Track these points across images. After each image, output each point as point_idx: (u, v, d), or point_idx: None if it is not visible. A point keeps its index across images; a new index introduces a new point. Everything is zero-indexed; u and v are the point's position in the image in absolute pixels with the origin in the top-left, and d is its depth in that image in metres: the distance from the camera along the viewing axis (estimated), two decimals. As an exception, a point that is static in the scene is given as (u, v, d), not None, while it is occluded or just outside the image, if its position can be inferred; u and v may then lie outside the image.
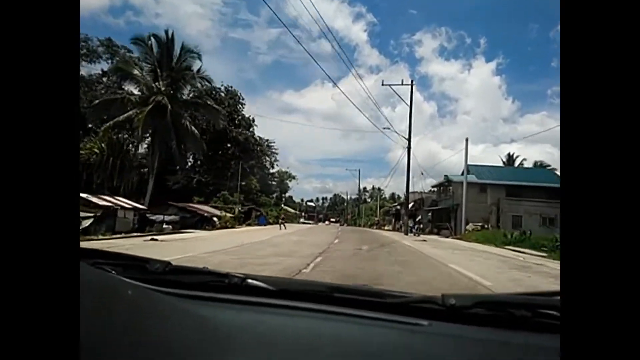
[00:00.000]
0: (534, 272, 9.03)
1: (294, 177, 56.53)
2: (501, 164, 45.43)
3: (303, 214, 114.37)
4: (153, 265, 1.02)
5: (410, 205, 38.72)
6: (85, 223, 14.59)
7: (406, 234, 29.59)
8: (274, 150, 50.70)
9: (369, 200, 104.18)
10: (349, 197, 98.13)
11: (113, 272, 0.96)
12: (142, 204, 22.19)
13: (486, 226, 28.95)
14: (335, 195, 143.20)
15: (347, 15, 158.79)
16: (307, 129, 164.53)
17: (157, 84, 27.79)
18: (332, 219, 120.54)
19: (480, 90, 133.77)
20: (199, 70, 29.65)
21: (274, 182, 56.66)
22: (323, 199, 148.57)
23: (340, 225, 75.23)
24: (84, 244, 1.19)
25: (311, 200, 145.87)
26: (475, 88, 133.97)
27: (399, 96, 62.39)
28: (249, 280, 0.97)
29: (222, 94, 40.62)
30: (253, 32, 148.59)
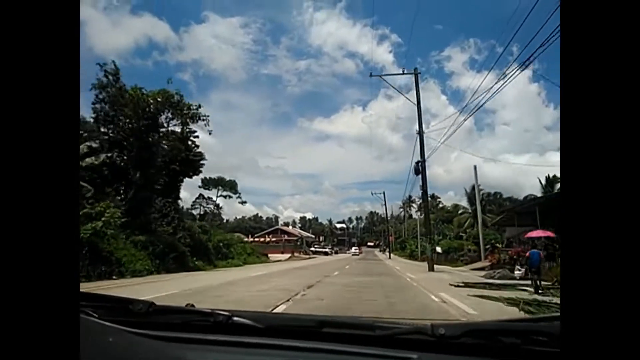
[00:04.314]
0: None
1: (198, 114, 17.27)
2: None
3: (320, 239, 79.39)
4: (136, 306, 0.98)
5: None
6: None
7: None
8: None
9: (415, 215, 78.29)
10: (391, 212, 65.19)
11: (95, 315, 0.94)
12: None
13: None
14: (371, 213, 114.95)
15: (371, 38, 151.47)
16: (341, 154, 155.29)
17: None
18: (369, 243, 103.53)
19: (518, 99, 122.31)
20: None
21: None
22: (357, 218, 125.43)
23: (381, 251, 58.77)
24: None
25: (342, 222, 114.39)
26: (513, 97, 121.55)
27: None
28: (235, 318, 0.94)
29: None
30: (283, 66, 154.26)
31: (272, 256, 40.42)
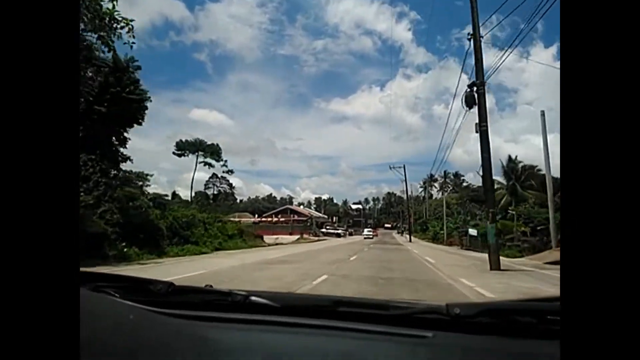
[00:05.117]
0: None
1: (111, 13, 10.13)
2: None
3: (334, 219, 73.47)
4: (156, 286, 1.00)
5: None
6: None
7: None
8: None
9: (437, 195, 75.00)
10: (410, 191, 59.29)
11: (116, 295, 0.96)
12: None
13: None
14: (389, 194, 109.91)
15: (390, 16, 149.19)
16: (358, 135, 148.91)
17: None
18: (386, 225, 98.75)
19: (541, 78, 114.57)
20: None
21: None
22: (374, 199, 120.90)
23: (399, 233, 55.83)
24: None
25: (358, 203, 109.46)
26: (536, 76, 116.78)
27: None
28: (253, 298, 0.95)
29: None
30: (300, 46, 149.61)
31: (281, 238, 34.05)
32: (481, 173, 10.22)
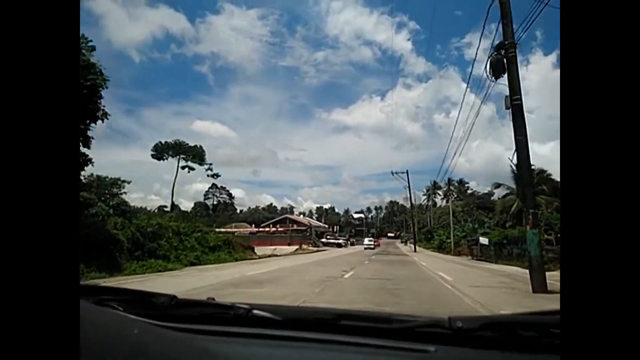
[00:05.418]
0: None
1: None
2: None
3: (335, 229, 70.89)
4: (158, 299, 1.01)
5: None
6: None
7: None
8: None
9: (441, 203, 70.92)
10: (413, 199, 57.29)
11: (119, 308, 0.96)
12: None
13: None
14: (391, 202, 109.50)
15: (389, 26, 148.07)
16: (359, 145, 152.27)
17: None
18: (389, 234, 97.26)
19: (541, 86, 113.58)
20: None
21: None
22: (377, 208, 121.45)
23: (402, 242, 54.23)
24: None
25: (360, 212, 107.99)
26: (536, 84, 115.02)
27: None
28: (255, 311, 0.96)
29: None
30: (300, 58, 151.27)
31: (279, 248, 31.41)
32: (514, 161, 7.62)
